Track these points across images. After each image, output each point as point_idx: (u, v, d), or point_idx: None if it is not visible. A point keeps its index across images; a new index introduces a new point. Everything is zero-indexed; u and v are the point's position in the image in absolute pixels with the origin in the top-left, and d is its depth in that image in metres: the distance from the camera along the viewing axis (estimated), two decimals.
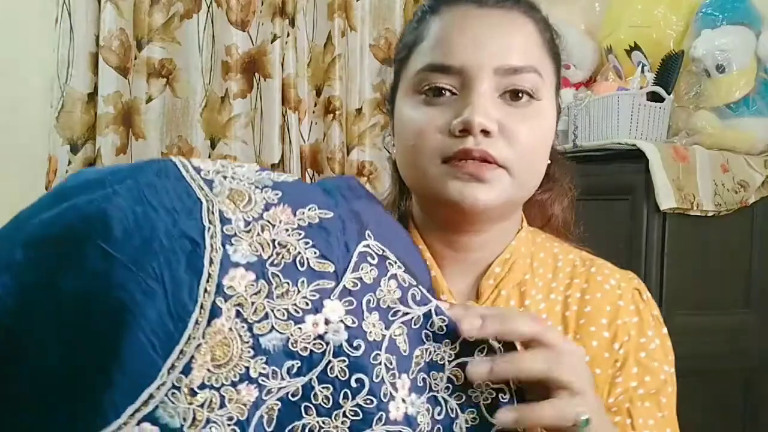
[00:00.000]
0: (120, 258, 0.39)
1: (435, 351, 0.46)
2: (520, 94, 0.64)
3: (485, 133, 0.61)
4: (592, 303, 0.69)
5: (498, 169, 0.62)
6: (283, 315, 0.42)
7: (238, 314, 0.41)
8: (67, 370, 0.39)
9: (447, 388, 0.46)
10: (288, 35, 1.83)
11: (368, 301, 0.45)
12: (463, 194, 0.61)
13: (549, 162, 0.70)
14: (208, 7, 1.78)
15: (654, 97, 1.60)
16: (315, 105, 1.94)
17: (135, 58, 1.71)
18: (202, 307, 0.40)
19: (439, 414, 0.46)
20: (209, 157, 1.78)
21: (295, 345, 0.42)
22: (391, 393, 0.44)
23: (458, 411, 0.46)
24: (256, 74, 1.83)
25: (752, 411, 1.57)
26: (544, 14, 0.70)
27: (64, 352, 0.39)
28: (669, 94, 1.61)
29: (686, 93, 1.64)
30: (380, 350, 0.44)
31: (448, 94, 0.64)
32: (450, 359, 0.47)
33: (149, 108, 1.73)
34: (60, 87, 1.63)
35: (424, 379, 0.46)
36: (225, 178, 0.46)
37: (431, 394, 0.46)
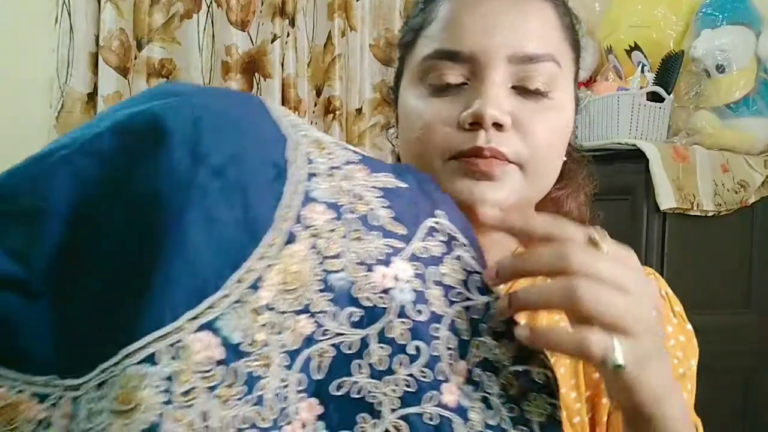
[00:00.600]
0: (206, 162, 0.38)
1: (491, 349, 0.43)
2: (536, 84, 0.58)
3: (497, 126, 0.55)
4: None
5: (509, 165, 0.57)
6: (356, 258, 0.41)
7: (313, 246, 0.40)
8: (132, 265, 0.37)
9: (500, 395, 0.43)
10: (288, 35, 1.83)
11: (432, 273, 0.42)
12: (473, 193, 0.55)
13: (564, 159, 0.65)
14: (208, 7, 1.78)
15: (654, 97, 1.60)
16: (315, 105, 1.94)
17: (135, 58, 1.71)
18: (279, 230, 0.39)
19: (491, 419, 0.42)
20: None
21: (359, 291, 0.40)
22: (446, 374, 0.41)
23: (510, 425, 0.42)
24: (256, 74, 1.83)
25: (752, 411, 1.57)
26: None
27: (141, 245, 0.37)
28: (669, 94, 1.61)
29: (686, 93, 1.64)
30: (440, 324, 0.42)
31: (457, 82, 0.58)
32: (505, 363, 0.43)
33: None
34: (60, 87, 1.63)
35: (479, 375, 0.42)
36: (309, 130, 0.45)
37: (484, 394, 0.42)
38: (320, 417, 0.39)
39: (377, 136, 2.00)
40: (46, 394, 0.37)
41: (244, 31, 1.80)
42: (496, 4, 0.58)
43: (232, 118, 0.41)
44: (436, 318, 0.42)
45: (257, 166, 0.40)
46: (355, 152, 0.46)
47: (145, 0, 1.70)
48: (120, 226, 0.38)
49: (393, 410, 0.40)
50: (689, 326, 0.68)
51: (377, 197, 0.43)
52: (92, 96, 1.67)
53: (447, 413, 0.40)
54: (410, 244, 0.43)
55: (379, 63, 2.00)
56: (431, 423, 0.40)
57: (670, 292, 0.69)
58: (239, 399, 0.36)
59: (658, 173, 1.43)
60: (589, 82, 1.85)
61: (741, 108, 1.58)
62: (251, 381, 0.37)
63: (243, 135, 0.40)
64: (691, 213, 1.47)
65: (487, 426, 0.41)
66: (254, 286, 0.38)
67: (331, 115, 1.92)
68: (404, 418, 0.40)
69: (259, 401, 0.37)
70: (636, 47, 1.74)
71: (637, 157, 1.46)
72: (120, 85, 1.68)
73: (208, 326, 0.36)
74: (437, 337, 0.41)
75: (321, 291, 0.40)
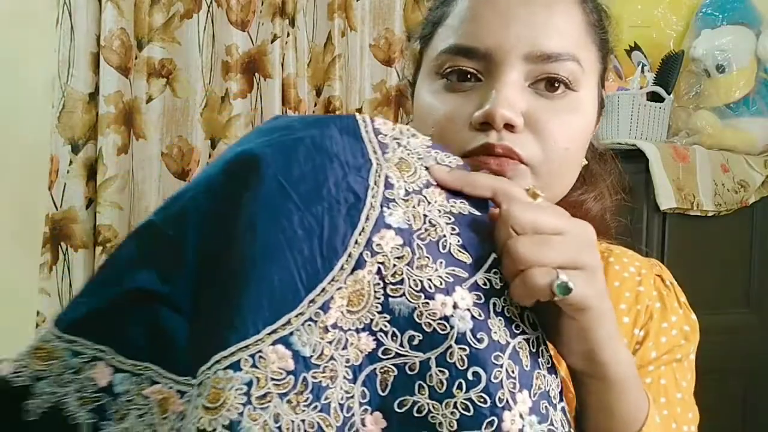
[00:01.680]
0: (292, 194, 0.44)
1: (549, 383, 0.46)
2: (554, 84, 0.56)
3: (509, 127, 0.54)
4: (611, 291, 0.63)
5: (521, 166, 0.55)
6: (417, 285, 0.44)
7: (379, 271, 0.44)
8: (229, 284, 0.43)
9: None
10: (288, 35, 1.83)
11: (494, 305, 0.44)
12: None
13: (586, 162, 0.63)
14: (208, 7, 1.78)
15: (654, 97, 1.60)
16: (315, 105, 1.94)
17: (135, 58, 1.71)
18: (350, 255, 0.43)
19: None
20: (209, 156, 1.79)
21: (419, 317, 0.43)
22: (508, 401, 0.42)
23: None
24: (256, 74, 1.83)
25: (752, 411, 1.57)
26: None
27: (231, 267, 0.43)
28: (669, 94, 1.61)
29: (686, 93, 1.64)
30: (503, 354, 0.43)
31: (472, 79, 0.57)
32: (555, 402, 0.46)
33: (150, 108, 1.73)
34: (61, 87, 1.63)
35: (546, 408, 0.44)
36: (399, 145, 0.48)
37: (553, 428, 0.44)
38: (384, 430, 0.43)
39: None
40: (185, 391, 0.44)
41: (244, 31, 1.81)
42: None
43: (322, 146, 0.46)
44: (498, 347, 0.43)
45: (338, 195, 0.44)
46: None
47: (146, 0, 1.70)
48: (226, 252, 0.44)
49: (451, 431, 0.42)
50: (694, 316, 0.68)
51: (449, 223, 0.46)
52: (93, 96, 1.67)
53: None
54: (476, 274, 0.45)
55: (379, 63, 2.00)
56: None
57: (675, 282, 0.69)
58: (307, 405, 0.41)
59: (658, 173, 1.43)
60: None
61: (741, 108, 1.59)
62: (318, 390, 0.42)
63: (330, 164, 0.45)
64: (691, 213, 1.48)
65: None
66: (324, 307, 0.43)
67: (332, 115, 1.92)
68: None
69: (325, 409, 0.41)
70: (636, 47, 1.74)
71: (637, 157, 1.46)
72: (121, 84, 1.68)
73: (283, 340, 0.41)
74: (498, 365, 0.43)
75: (380, 312, 0.44)
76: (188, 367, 0.44)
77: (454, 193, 0.47)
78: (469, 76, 0.57)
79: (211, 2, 1.78)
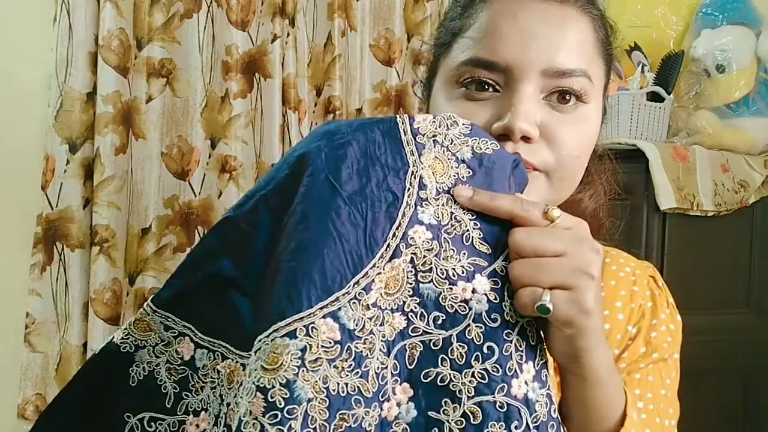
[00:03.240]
0: (341, 192, 0.51)
1: (548, 355, 0.53)
2: (567, 97, 0.60)
3: (526, 138, 0.58)
4: (607, 290, 0.69)
5: (535, 172, 0.60)
6: (443, 273, 0.51)
7: (411, 261, 0.51)
8: (287, 266, 0.50)
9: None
10: (288, 35, 1.83)
11: (507, 289, 0.51)
12: None
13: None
14: (208, 7, 1.78)
15: (654, 97, 1.60)
16: (315, 105, 1.94)
17: (135, 58, 1.71)
18: (388, 246, 0.51)
19: (554, 412, 0.51)
20: (209, 156, 1.79)
21: (444, 300, 0.50)
22: (516, 371, 0.49)
23: None
24: (256, 74, 1.83)
25: (752, 411, 1.57)
26: (601, 8, 0.66)
27: (288, 252, 0.50)
28: (669, 94, 1.61)
29: (686, 93, 1.64)
30: (512, 331, 0.50)
31: (490, 90, 0.60)
32: (552, 369, 0.54)
33: (149, 108, 1.72)
34: (59, 86, 1.63)
35: (546, 376, 0.51)
36: (436, 143, 0.54)
37: (549, 392, 0.51)
38: (411, 399, 0.50)
39: None
40: (246, 364, 0.51)
41: (244, 31, 1.80)
42: (534, 16, 0.60)
43: (367, 151, 0.53)
44: (509, 325, 0.50)
45: (379, 194, 0.52)
46: (468, 169, 0.54)
47: (145, 0, 1.70)
48: (284, 241, 0.51)
49: (470, 397, 0.49)
50: (679, 317, 0.72)
51: (471, 219, 0.52)
52: (91, 95, 1.66)
53: (515, 403, 0.49)
54: (494, 263, 0.52)
55: (379, 63, 2.00)
56: (501, 410, 0.48)
57: (665, 284, 0.74)
58: (350, 371, 0.48)
59: (658, 173, 1.43)
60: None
61: (741, 108, 1.59)
62: (359, 359, 0.48)
63: (372, 167, 0.52)
64: (691, 213, 1.48)
65: (551, 417, 0.50)
66: (367, 288, 0.50)
67: (331, 115, 1.92)
68: (478, 404, 0.49)
69: (364, 375, 0.48)
70: (636, 47, 1.74)
71: (637, 157, 1.46)
72: (120, 84, 1.68)
73: (332, 315, 0.48)
74: (509, 340, 0.50)
75: (411, 296, 0.51)
76: (250, 345, 0.50)
77: (489, 182, 0.53)
78: (487, 86, 0.60)
79: (211, 2, 1.78)
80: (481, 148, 0.54)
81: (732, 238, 1.57)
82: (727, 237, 1.55)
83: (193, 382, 0.55)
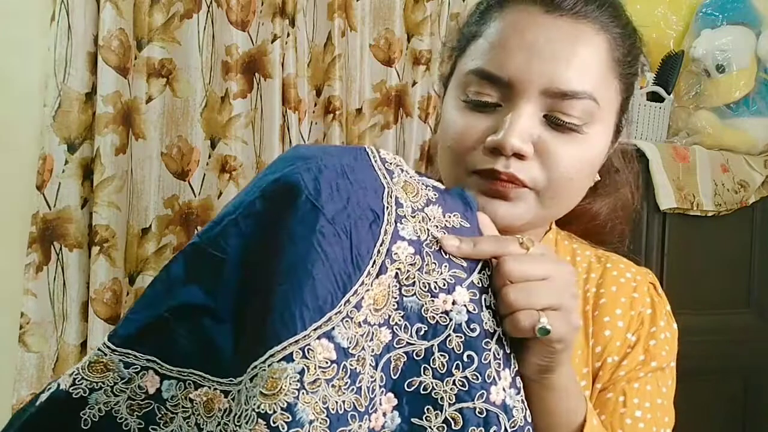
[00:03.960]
0: (323, 212, 0.51)
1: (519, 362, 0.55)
2: (567, 117, 0.59)
3: (518, 155, 0.58)
4: (608, 295, 0.70)
5: (524, 189, 0.60)
6: (425, 287, 0.53)
7: (396, 276, 0.52)
8: (279, 289, 0.49)
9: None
10: (288, 35, 1.83)
11: (484, 299, 0.53)
12: (485, 209, 0.59)
13: (599, 178, 0.68)
14: (208, 7, 1.78)
15: (654, 97, 1.60)
16: (315, 105, 1.94)
17: (135, 58, 1.71)
18: (374, 262, 0.51)
19: (529, 417, 0.53)
20: (209, 156, 1.79)
21: (426, 312, 0.52)
22: (494, 378, 0.51)
23: None
24: (256, 74, 1.83)
25: (752, 411, 1.57)
26: (628, 21, 0.64)
27: (278, 275, 0.50)
28: (669, 94, 1.61)
29: (686, 93, 1.64)
30: (491, 339, 0.52)
31: (493, 102, 0.61)
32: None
33: (149, 108, 1.72)
34: (57, 86, 1.63)
35: (520, 383, 0.54)
36: (402, 171, 0.57)
37: (523, 398, 0.53)
38: (395, 408, 0.51)
39: (377, 136, 2.00)
40: (228, 390, 0.51)
41: (244, 31, 1.80)
42: (543, 33, 0.59)
43: (343, 174, 0.53)
44: (488, 334, 0.52)
45: (360, 213, 0.52)
46: (435, 188, 0.56)
47: (145, 0, 1.70)
48: (269, 264, 0.51)
49: (451, 404, 0.51)
50: (675, 325, 0.72)
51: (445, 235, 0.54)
52: (90, 95, 1.66)
53: (494, 409, 0.51)
54: (472, 275, 0.54)
55: (379, 63, 2.00)
56: (481, 416, 0.51)
57: (663, 292, 0.74)
58: (347, 388, 0.48)
59: (658, 173, 1.43)
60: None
61: (741, 108, 1.59)
62: (354, 375, 0.49)
63: (351, 187, 0.53)
64: (691, 213, 1.48)
65: (527, 422, 0.53)
66: (357, 306, 0.50)
67: (331, 115, 1.92)
68: (459, 410, 0.51)
69: (358, 391, 0.49)
70: None
71: (637, 157, 1.46)
72: (119, 84, 1.68)
73: (327, 335, 0.48)
74: (487, 349, 0.52)
75: (396, 309, 0.52)
76: (229, 370, 0.51)
77: (449, 208, 0.56)
78: (489, 99, 0.61)
79: (211, 2, 1.78)
80: (434, 183, 0.58)
81: (732, 238, 1.57)
82: (727, 237, 1.55)
83: (160, 415, 0.53)
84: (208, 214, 1.78)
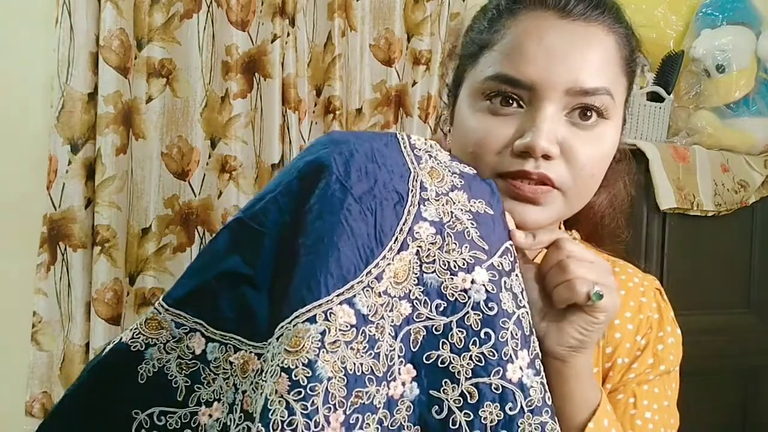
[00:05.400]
0: (351, 192, 0.55)
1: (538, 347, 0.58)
2: (588, 113, 0.62)
3: (546, 156, 0.61)
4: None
5: (554, 191, 0.62)
6: (445, 265, 0.56)
7: (417, 253, 0.56)
8: (305, 259, 0.54)
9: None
10: (288, 35, 1.83)
11: (504, 282, 0.56)
12: (513, 213, 0.61)
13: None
14: (208, 7, 1.78)
15: (654, 97, 1.60)
16: (315, 105, 1.94)
17: (135, 58, 1.71)
18: (396, 239, 0.55)
19: (549, 400, 0.55)
20: (209, 156, 1.79)
21: (445, 289, 0.55)
22: (511, 356, 0.54)
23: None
24: (256, 74, 1.83)
25: (752, 411, 1.57)
26: (629, 23, 0.68)
27: (306, 246, 0.54)
28: (669, 94, 1.61)
29: (686, 93, 1.64)
30: (509, 320, 0.55)
31: (514, 105, 0.62)
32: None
33: (149, 108, 1.72)
34: (60, 87, 1.63)
35: (540, 365, 0.56)
36: (430, 157, 0.60)
37: (543, 381, 0.56)
38: (414, 378, 0.54)
39: None
40: (261, 353, 0.55)
41: (244, 31, 1.80)
42: (559, 36, 0.62)
43: (373, 158, 0.58)
44: (506, 314, 0.55)
45: (386, 194, 0.56)
46: (462, 176, 0.60)
47: (145, 0, 1.70)
48: (300, 236, 0.55)
49: (467, 378, 0.54)
50: (678, 331, 0.75)
51: (470, 219, 0.58)
52: (92, 96, 1.67)
53: (510, 386, 0.53)
54: (492, 257, 0.57)
55: (379, 63, 2.00)
56: (496, 392, 0.53)
57: (668, 300, 0.77)
58: (364, 352, 0.52)
59: (658, 173, 1.43)
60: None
61: (741, 108, 1.59)
62: (372, 341, 0.53)
63: (379, 170, 0.57)
64: (691, 213, 1.48)
65: (546, 404, 0.55)
66: (378, 277, 0.54)
67: (331, 115, 1.92)
68: (475, 385, 0.53)
69: (376, 356, 0.53)
70: None
71: (637, 157, 1.46)
72: (120, 84, 1.68)
73: (348, 301, 0.52)
74: (505, 328, 0.55)
75: (416, 285, 0.56)
76: (263, 335, 0.55)
77: (475, 194, 0.59)
78: (512, 102, 0.63)
79: (211, 2, 1.78)
80: (464, 169, 0.61)
81: (732, 238, 1.57)
82: (727, 237, 1.56)
83: (204, 375, 0.58)
84: (208, 214, 1.78)
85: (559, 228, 0.74)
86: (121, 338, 0.60)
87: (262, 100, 1.82)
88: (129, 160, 1.71)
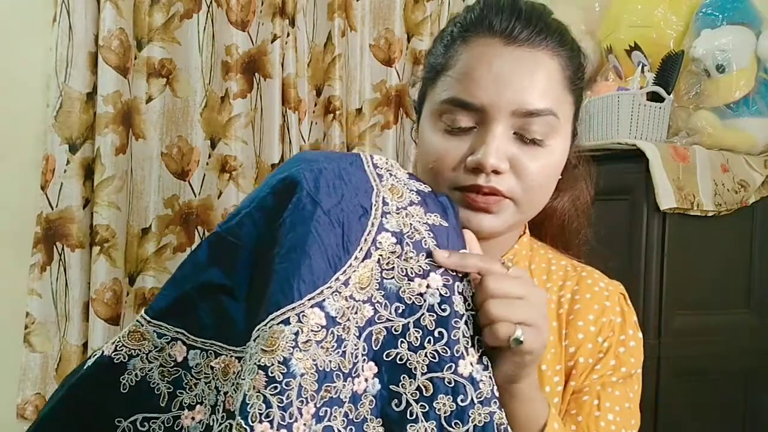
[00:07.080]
0: (321, 205, 0.60)
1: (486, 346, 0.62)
2: (534, 130, 0.68)
3: (496, 171, 0.67)
4: (582, 302, 0.78)
5: (505, 200, 0.69)
6: (402, 272, 0.61)
7: (378, 261, 0.61)
8: (279, 266, 0.58)
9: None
10: (288, 35, 1.83)
11: (457, 286, 0.61)
12: (470, 222, 0.68)
13: (560, 176, 0.75)
14: (208, 7, 1.78)
15: (654, 97, 1.60)
16: (315, 105, 1.94)
17: (135, 58, 1.71)
18: (361, 249, 0.61)
19: (496, 391, 0.60)
20: (209, 156, 1.79)
21: (403, 294, 0.61)
22: (462, 353, 0.59)
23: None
24: (256, 74, 1.83)
25: (752, 411, 1.57)
26: (573, 43, 0.73)
27: (280, 255, 0.58)
28: (669, 94, 1.61)
29: (686, 93, 1.64)
30: (460, 320, 0.60)
31: (467, 126, 0.69)
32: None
33: (149, 108, 1.73)
34: (58, 86, 1.63)
35: (487, 361, 0.61)
36: (391, 175, 0.66)
37: (491, 375, 0.60)
38: (376, 375, 0.59)
39: (377, 136, 2.00)
40: (241, 356, 0.59)
41: (244, 31, 1.81)
42: (506, 62, 0.68)
43: (340, 175, 0.63)
44: (457, 315, 0.60)
45: (352, 208, 0.61)
46: (419, 193, 0.66)
47: (145, 0, 1.70)
48: (275, 247, 0.59)
49: (423, 373, 0.59)
50: (640, 335, 0.79)
51: (427, 230, 0.63)
52: (91, 95, 1.66)
53: (462, 380, 0.58)
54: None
55: (379, 63, 2.00)
56: (449, 385, 0.58)
57: (631, 304, 0.81)
58: (333, 350, 0.57)
59: (658, 173, 1.43)
60: (589, 82, 1.85)
61: (741, 108, 1.58)
62: (339, 341, 0.57)
63: (345, 187, 0.62)
64: (691, 213, 1.47)
65: (494, 396, 0.59)
66: (345, 283, 0.59)
67: (331, 115, 1.92)
68: (430, 379, 0.58)
69: (343, 354, 0.57)
70: (636, 47, 1.74)
71: (637, 157, 1.46)
72: (120, 84, 1.68)
73: (319, 305, 0.57)
74: (456, 327, 0.60)
75: (377, 289, 0.61)
76: (243, 340, 0.59)
77: (431, 209, 0.65)
78: (464, 123, 0.69)
79: (211, 2, 1.78)
80: (420, 186, 0.67)
81: (732, 238, 1.57)
82: (727, 237, 1.55)
83: (186, 380, 0.62)
84: (208, 214, 1.78)
85: (524, 231, 0.80)
86: (102, 351, 0.63)
87: (262, 100, 1.83)
88: (129, 160, 1.71)
